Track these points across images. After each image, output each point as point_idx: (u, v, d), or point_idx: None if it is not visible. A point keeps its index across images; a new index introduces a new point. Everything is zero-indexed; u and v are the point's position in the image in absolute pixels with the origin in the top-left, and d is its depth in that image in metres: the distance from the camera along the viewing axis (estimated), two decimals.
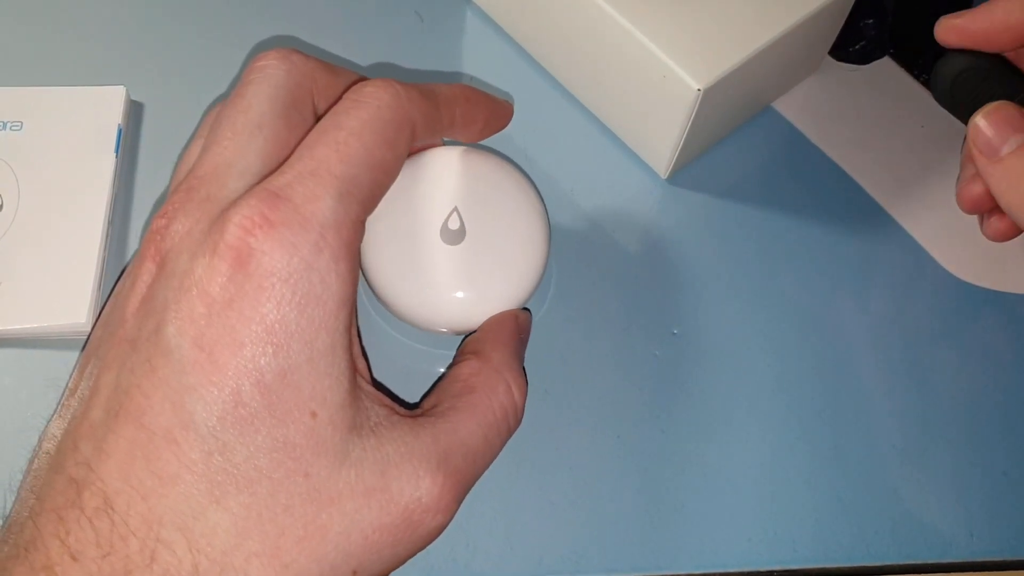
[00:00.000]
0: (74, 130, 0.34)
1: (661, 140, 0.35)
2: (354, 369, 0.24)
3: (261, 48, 0.39)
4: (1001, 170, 0.29)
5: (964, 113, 0.31)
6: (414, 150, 0.31)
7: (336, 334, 0.23)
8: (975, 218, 0.36)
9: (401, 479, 0.23)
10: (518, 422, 0.27)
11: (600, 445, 0.32)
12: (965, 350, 0.34)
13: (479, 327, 0.29)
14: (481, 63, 0.39)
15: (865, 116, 0.39)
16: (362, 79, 0.26)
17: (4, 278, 0.31)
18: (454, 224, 0.29)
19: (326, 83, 0.26)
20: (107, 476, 0.21)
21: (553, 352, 0.33)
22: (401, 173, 0.29)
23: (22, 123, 0.34)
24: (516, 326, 0.29)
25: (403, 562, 0.24)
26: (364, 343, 0.31)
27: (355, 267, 0.23)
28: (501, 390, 0.27)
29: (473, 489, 0.29)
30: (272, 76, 0.25)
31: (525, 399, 0.28)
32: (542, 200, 0.31)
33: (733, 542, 0.31)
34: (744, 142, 0.38)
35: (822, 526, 0.31)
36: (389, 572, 0.24)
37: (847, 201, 0.37)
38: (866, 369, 0.34)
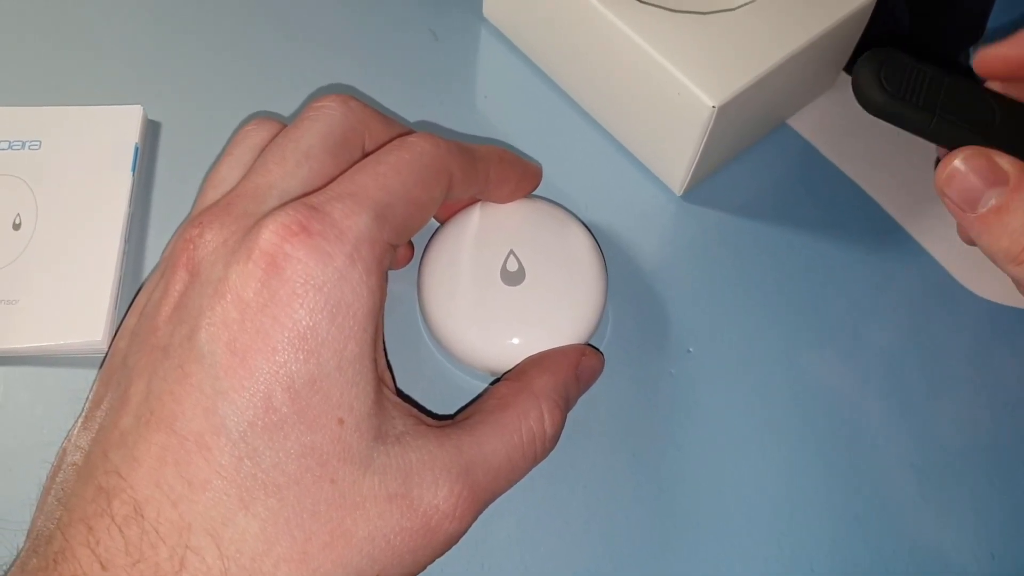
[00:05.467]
0: (91, 149, 0.34)
1: (676, 157, 0.35)
2: (380, 380, 0.24)
3: (278, 67, 0.39)
4: (980, 224, 0.28)
5: (907, 110, 0.28)
6: (457, 206, 0.32)
7: (364, 344, 0.23)
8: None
9: (422, 485, 0.23)
10: (546, 451, 0.27)
11: (615, 463, 0.32)
12: (984, 368, 0.34)
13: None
14: (495, 80, 0.39)
15: (881, 133, 0.39)
16: (413, 132, 0.28)
17: (22, 296, 0.32)
18: (512, 266, 0.31)
19: (378, 131, 0.27)
20: (137, 483, 0.21)
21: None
22: (455, 223, 0.32)
23: (40, 142, 0.34)
24: (575, 360, 0.29)
25: (421, 569, 0.24)
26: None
27: (383, 284, 0.24)
28: (533, 415, 0.27)
29: (487, 508, 0.29)
30: (328, 116, 0.26)
31: (558, 431, 0.27)
32: (597, 243, 0.32)
33: (750, 562, 0.30)
34: (759, 159, 0.38)
35: (839, 546, 0.31)
36: None
37: (863, 218, 0.37)
38: (884, 388, 0.33)
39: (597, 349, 0.31)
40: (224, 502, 0.21)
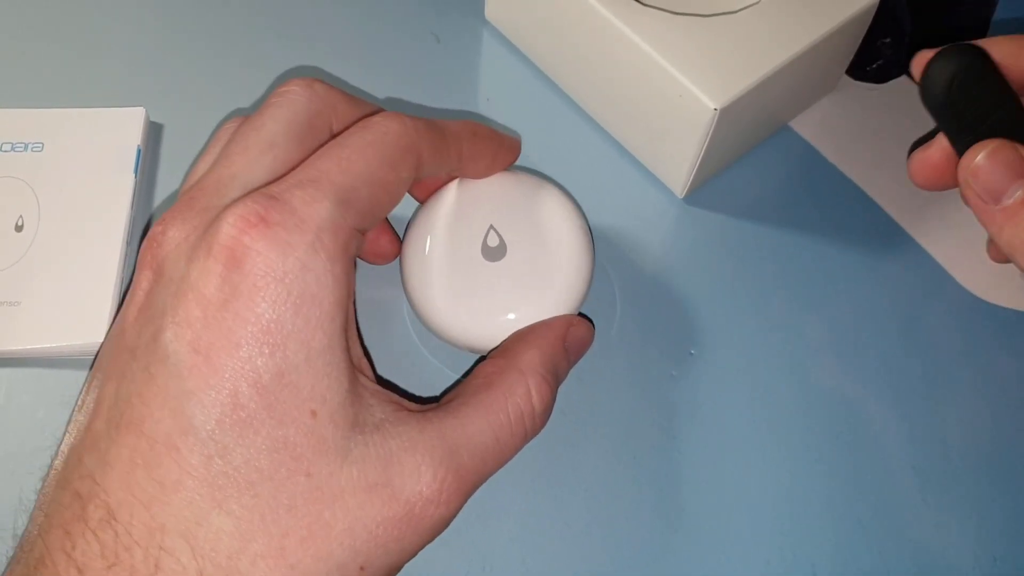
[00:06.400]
0: (94, 151, 0.35)
1: (678, 159, 0.35)
2: (354, 368, 0.24)
3: (280, 70, 0.39)
4: (1003, 216, 0.28)
5: (954, 120, 0.30)
6: (435, 184, 0.31)
7: (333, 334, 0.23)
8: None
9: (403, 473, 0.23)
10: (535, 428, 0.26)
11: (616, 465, 0.31)
12: (985, 370, 0.34)
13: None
14: (497, 83, 0.39)
15: (883, 135, 0.39)
16: (383, 111, 0.27)
17: (24, 297, 0.32)
18: (493, 242, 0.30)
19: (345, 112, 0.26)
20: (110, 487, 0.21)
21: (570, 372, 0.33)
22: (434, 202, 0.31)
23: (43, 144, 0.34)
24: (562, 332, 0.29)
25: (411, 556, 0.24)
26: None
27: (350, 271, 0.24)
28: (520, 392, 0.26)
29: (488, 508, 0.29)
30: (292, 101, 0.25)
31: (547, 407, 0.27)
32: (579, 207, 0.31)
33: (751, 565, 0.30)
34: (761, 161, 0.38)
35: (841, 549, 0.31)
36: (398, 566, 0.24)
37: (865, 220, 0.37)
38: (885, 390, 0.33)
39: (587, 318, 0.30)
40: (197, 502, 0.21)
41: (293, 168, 0.24)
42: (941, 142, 0.31)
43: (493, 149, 0.30)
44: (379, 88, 0.39)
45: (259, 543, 0.21)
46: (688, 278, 0.35)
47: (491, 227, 0.30)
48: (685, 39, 0.33)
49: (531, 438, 0.26)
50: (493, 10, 0.40)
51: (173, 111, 0.37)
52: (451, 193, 0.31)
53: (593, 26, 0.34)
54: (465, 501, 0.24)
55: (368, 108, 0.27)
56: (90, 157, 0.34)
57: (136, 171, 0.34)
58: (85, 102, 0.36)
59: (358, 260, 0.31)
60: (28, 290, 0.32)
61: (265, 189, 0.23)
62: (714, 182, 0.37)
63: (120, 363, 0.23)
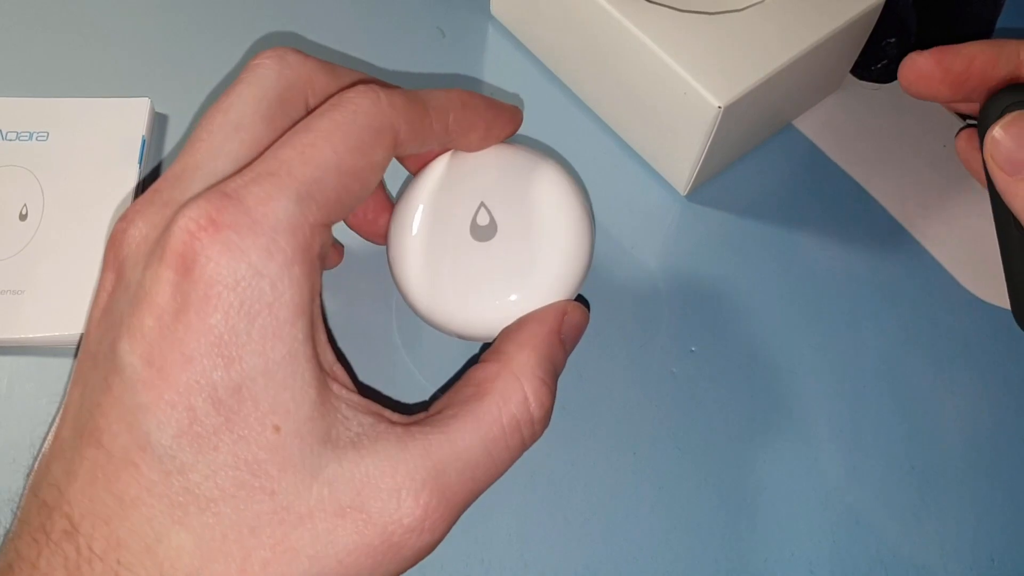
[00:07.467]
0: (98, 141, 0.35)
1: (681, 157, 0.35)
2: (325, 378, 0.22)
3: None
4: None
5: None
6: (428, 156, 0.29)
7: (295, 342, 0.21)
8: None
9: (381, 497, 0.21)
10: (534, 436, 0.24)
11: (616, 462, 0.32)
12: (986, 371, 0.34)
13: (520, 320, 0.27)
14: (502, 78, 0.39)
15: (886, 135, 0.39)
16: (365, 79, 0.25)
17: (27, 286, 0.32)
18: (483, 220, 0.28)
19: (322, 83, 0.24)
20: (73, 499, 0.21)
21: (570, 368, 0.33)
22: (425, 175, 0.28)
23: (48, 133, 0.35)
24: (555, 324, 0.26)
25: None
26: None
27: (313, 272, 0.22)
28: (515, 399, 0.24)
29: (487, 505, 0.29)
30: (262, 77, 0.23)
31: (547, 412, 0.25)
32: (579, 183, 0.29)
33: (749, 562, 0.30)
34: (764, 160, 0.38)
35: (839, 547, 0.31)
36: None
37: (867, 220, 0.37)
38: (885, 390, 0.33)
39: (582, 298, 0.28)
40: (157, 519, 0.20)
41: (263, 150, 0.23)
42: (936, 54, 0.30)
43: (487, 120, 0.27)
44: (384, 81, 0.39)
45: (219, 564, 0.20)
46: (689, 275, 0.35)
47: (482, 204, 0.28)
48: (690, 36, 0.33)
49: (529, 447, 0.25)
50: (499, 6, 0.40)
51: (178, 101, 0.37)
52: (442, 166, 0.29)
53: (598, 23, 0.34)
54: (453, 524, 0.23)
55: (349, 77, 0.25)
56: (95, 147, 0.34)
57: (140, 161, 0.35)
58: (90, 92, 0.36)
59: (348, 246, 0.30)
60: (31, 279, 0.32)
61: (220, 186, 0.21)
62: (717, 180, 0.37)
63: (84, 368, 0.22)
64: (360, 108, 0.23)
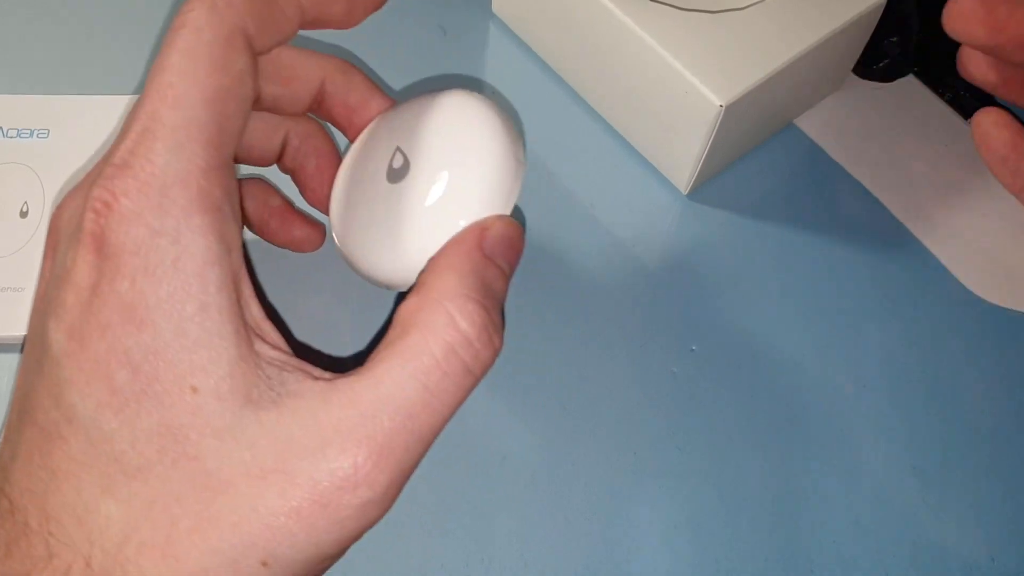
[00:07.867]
0: (99, 138, 0.35)
1: (682, 156, 0.35)
2: (248, 333, 0.21)
3: None
4: None
5: None
6: (358, 124, 0.28)
7: (207, 295, 0.20)
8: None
9: (304, 456, 0.20)
10: (478, 358, 0.22)
11: (616, 462, 0.32)
12: (987, 371, 0.34)
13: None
14: (503, 77, 0.39)
15: (888, 134, 0.39)
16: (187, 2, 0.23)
17: (28, 283, 0.32)
18: (398, 163, 0.26)
19: (264, 18, 0.23)
20: (13, 478, 0.21)
21: (571, 368, 0.33)
22: (358, 138, 0.28)
23: (49, 131, 0.35)
24: (475, 242, 0.24)
25: (339, 547, 0.21)
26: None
27: (220, 219, 0.21)
28: (440, 324, 0.22)
29: (488, 503, 0.29)
30: (190, 32, 0.22)
31: (483, 327, 0.22)
32: (502, 112, 0.27)
33: (749, 562, 0.30)
34: (766, 159, 0.38)
35: (840, 548, 0.31)
36: (321, 558, 0.21)
37: (869, 220, 0.37)
38: (886, 389, 0.33)
39: (507, 216, 0.25)
40: (87, 490, 0.20)
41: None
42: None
43: None
44: (384, 80, 0.39)
45: (144, 532, 0.20)
46: (690, 274, 0.35)
47: (397, 148, 0.27)
48: (691, 35, 0.32)
49: (479, 372, 0.22)
50: (500, 4, 0.40)
51: None
52: (370, 126, 0.29)
53: (600, 21, 0.34)
54: (403, 474, 0.21)
55: (290, 5, 0.23)
56: (95, 144, 0.34)
57: None
58: (91, 89, 0.36)
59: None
60: (32, 276, 0.32)
61: (112, 157, 0.21)
62: (718, 179, 0.37)
63: (26, 352, 0.23)
64: (199, 24, 0.21)
